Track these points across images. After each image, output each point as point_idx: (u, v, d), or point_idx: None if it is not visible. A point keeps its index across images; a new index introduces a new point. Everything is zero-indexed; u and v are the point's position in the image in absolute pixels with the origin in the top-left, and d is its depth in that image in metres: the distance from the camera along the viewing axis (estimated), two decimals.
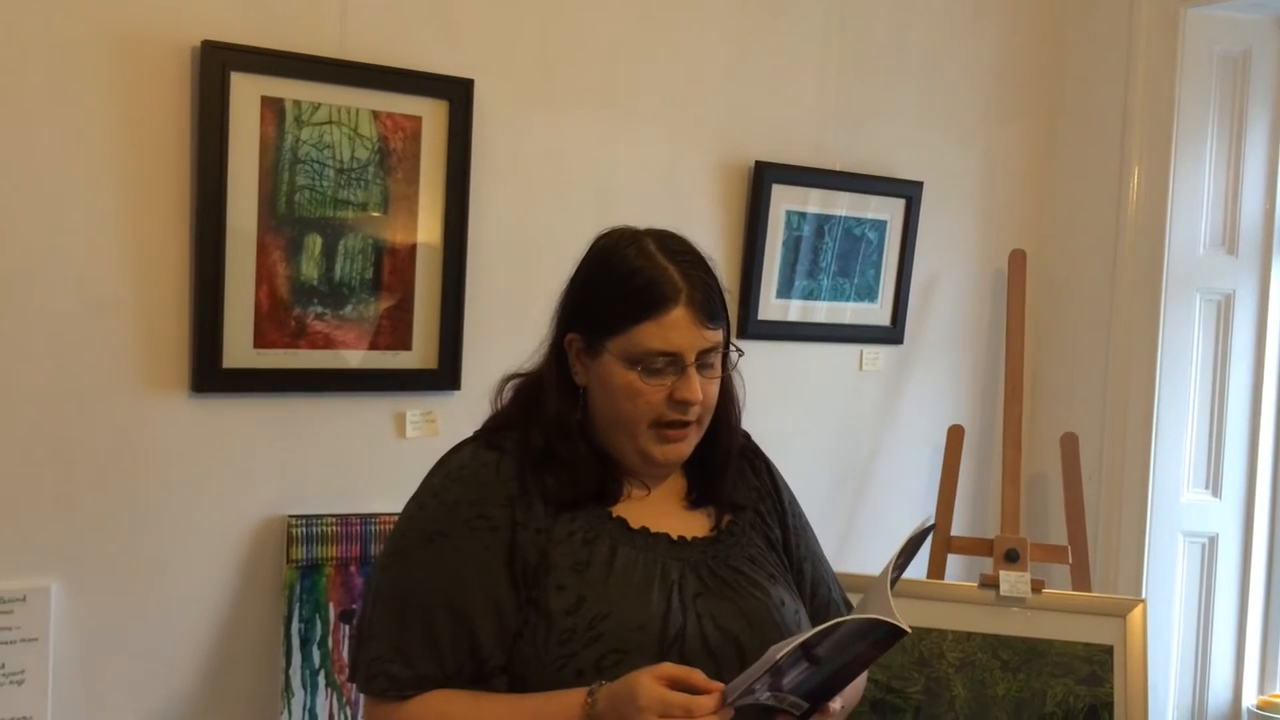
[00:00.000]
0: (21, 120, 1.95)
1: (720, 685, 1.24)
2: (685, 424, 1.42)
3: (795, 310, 2.85)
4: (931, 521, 1.52)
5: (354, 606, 2.24)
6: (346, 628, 2.23)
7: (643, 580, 1.39)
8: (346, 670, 2.22)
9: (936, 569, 2.80)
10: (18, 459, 1.98)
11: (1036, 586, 2.59)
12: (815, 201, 2.83)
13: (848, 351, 2.97)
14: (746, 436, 1.62)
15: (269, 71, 2.11)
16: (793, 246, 2.81)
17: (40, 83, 1.96)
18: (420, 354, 2.32)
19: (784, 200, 2.77)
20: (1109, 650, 2.51)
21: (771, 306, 2.80)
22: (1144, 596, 2.80)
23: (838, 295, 2.91)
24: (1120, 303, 3.05)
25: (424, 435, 2.34)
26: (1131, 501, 3.02)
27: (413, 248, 2.29)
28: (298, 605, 2.19)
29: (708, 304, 1.40)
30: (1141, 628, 2.51)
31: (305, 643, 2.20)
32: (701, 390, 1.40)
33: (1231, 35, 2.99)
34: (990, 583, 2.61)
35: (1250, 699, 3.08)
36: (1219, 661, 3.06)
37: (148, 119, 2.05)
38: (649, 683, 1.23)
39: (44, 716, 1.99)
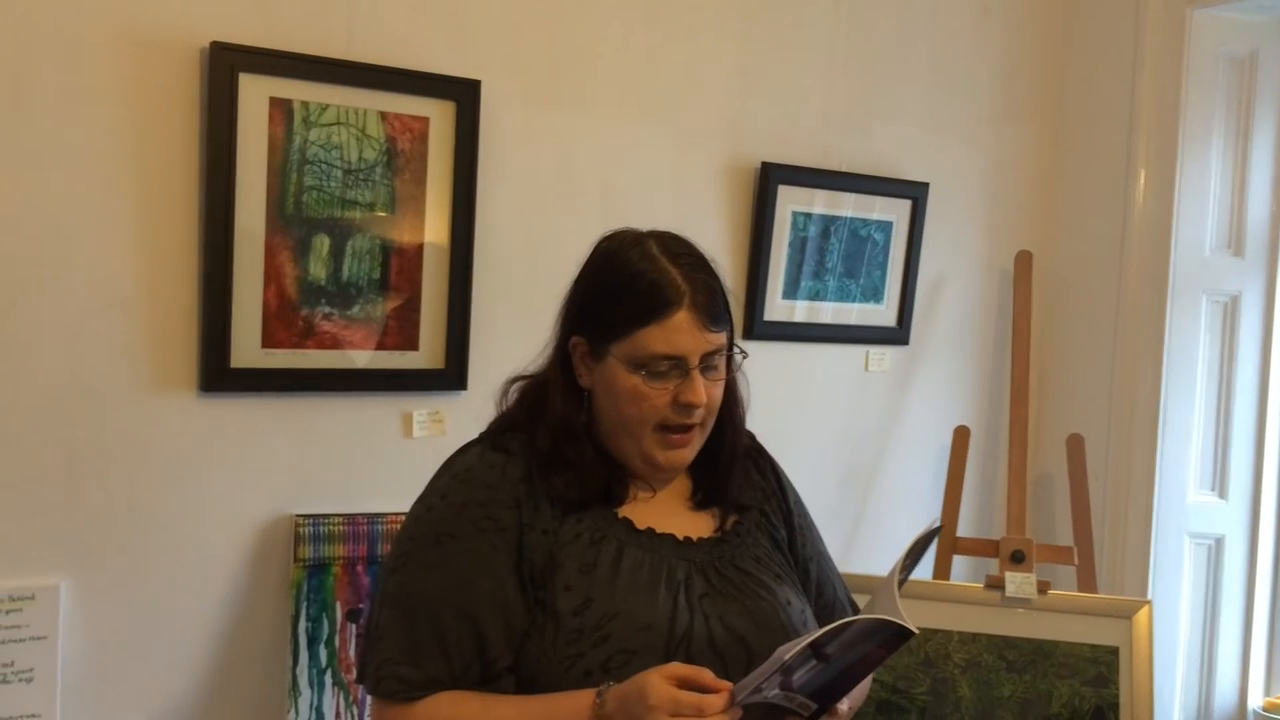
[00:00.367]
0: (31, 120, 1.95)
1: (729, 684, 1.24)
2: (689, 427, 1.43)
3: (801, 311, 2.85)
4: (938, 524, 1.52)
5: (361, 606, 2.24)
6: (353, 627, 2.24)
7: (649, 581, 1.39)
8: (353, 669, 2.23)
9: (942, 570, 2.80)
10: (28, 457, 1.99)
11: (1042, 588, 2.59)
12: (821, 202, 2.83)
13: (853, 352, 2.97)
14: (751, 437, 1.62)
15: (277, 73, 2.12)
16: (799, 247, 2.81)
17: (50, 84, 1.96)
18: (427, 354, 2.33)
19: (790, 201, 2.77)
20: (1115, 651, 2.51)
21: (777, 307, 2.81)
22: (1150, 598, 2.80)
23: (843, 296, 2.92)
24: (1126, 304, 3.05)
25: (431, 435, 2.34)
26: (1137, 503, 3.02)
27: (420, 248, 2.30)
28: (305, 604, 2.20)
29: (711, 307, 1.40)
30: (1147, 629, 2.51)
31: (312, 642, 2.20)
32: (706, 393, 1.40)
33: (1238, 37, 2.99)
34: (996, 584, 2.61)
35: (1256, 700, 3.07)
36: (1225, 663, 3.06)
37: (157, 120, 2.05)
38: (659, 682, 1.23)
39: (53, 714, 2.00)
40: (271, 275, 2.15)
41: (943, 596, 2.60)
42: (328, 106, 2.18)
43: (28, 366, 1.98)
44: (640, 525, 1.44)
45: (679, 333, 1.38)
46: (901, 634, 1.22)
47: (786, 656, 1.18)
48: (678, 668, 1.26)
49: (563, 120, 2.48)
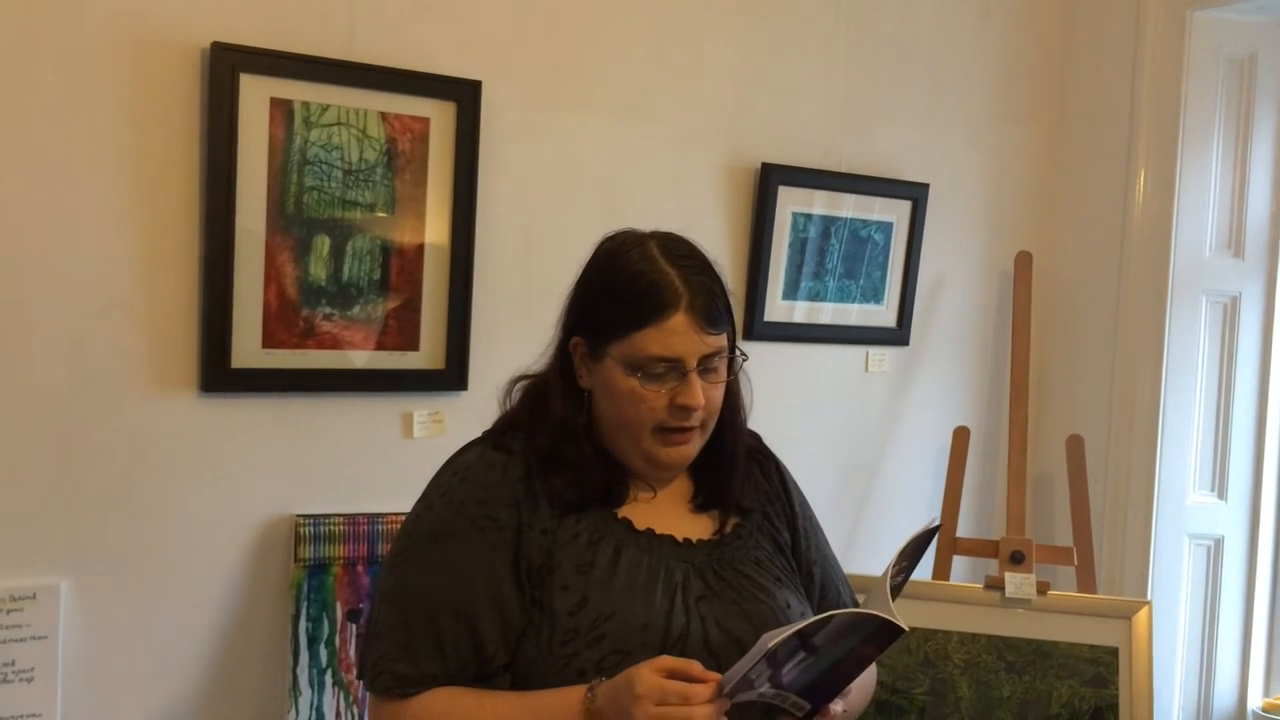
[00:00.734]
0: (32, 120, 1.96)
1: (717, 675, 1.25)
2: (688, 429, 1.43)
3: (801, 312, 2.85)
4: (938, 522, 1.52)
5: (361, 606, 2.25)
6: (354, 627, 2.24)
7: (646, 581, 1.39)
8: (354, 669, 2.23)
9: (942, 570, 2.80)
10: (28, 457, 1.99)
11: (1042, 588, 2.59)
12: (821, 203, 2.83)
13: (853, 353, 2.97)
14: (757, 438, 1.62)
15: (278, 73, 2.12)
16: (799, 248, 2.82)
17: (51, 84, 1.97)
18: (427, 354, 2.33)
19: (790, 202, 2.78)
20: (1114, 652, 2.51)
21: (777, 308, 2.81)
22: (1149, 599, 2.80)
23: (843, 297, 2.92)
24: (1126, 305, 3.05)
25: (431, 435, 2.35)
26: (1137, 503, 3.02)
27: (420, 249, 2.30)
28: (305, 604, 2.20)
29: (709, 309, 1.40)
30: (1147, 630, 2.51)
31: (313, 641, 2.21)
32: (704, 395, 1.40)
33: (1238, 37, 2.99)
34: (995, 584, 2.61)
35: (1255, 701, 3.08)
36: (1224, 664, 3.06)
37: (157, 120, 2.06)
38: (646, 673, 1.24)
39: (53, 714, 2.01)
40: (272, 275, 2.16)
41: (942, 597, 2.60)
42: (328, 107, 2.18)
43: (28, 366, 1.98)
44: (640, 526, 1.44)
45: (675, 335, 1.38)
46: (891, 631, 1.21)
47: (771, 644, 1.18)
48: (666, 660, 1.26)
49: (563, 121, 2.48)
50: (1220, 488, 3.06)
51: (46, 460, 2.00)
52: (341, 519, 2.24)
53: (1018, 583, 2.59)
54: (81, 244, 2.01)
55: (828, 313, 2.90)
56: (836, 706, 1.32)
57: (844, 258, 2.90)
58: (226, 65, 2.07)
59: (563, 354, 1.47)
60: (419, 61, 2.28)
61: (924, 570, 2.81)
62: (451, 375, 2.35)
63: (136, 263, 2.06)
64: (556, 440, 1.43)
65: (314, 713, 2.21)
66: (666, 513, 1.48)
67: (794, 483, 1.63)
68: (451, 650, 1.36)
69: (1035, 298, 3.03)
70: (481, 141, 2.33)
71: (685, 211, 2.62)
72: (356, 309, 2.25)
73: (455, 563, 1.37)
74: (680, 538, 1.45)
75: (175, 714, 2.14)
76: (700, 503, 1.51)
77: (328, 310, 2.22)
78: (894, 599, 1.29)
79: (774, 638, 1.19)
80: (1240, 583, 3.06)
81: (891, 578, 1.31)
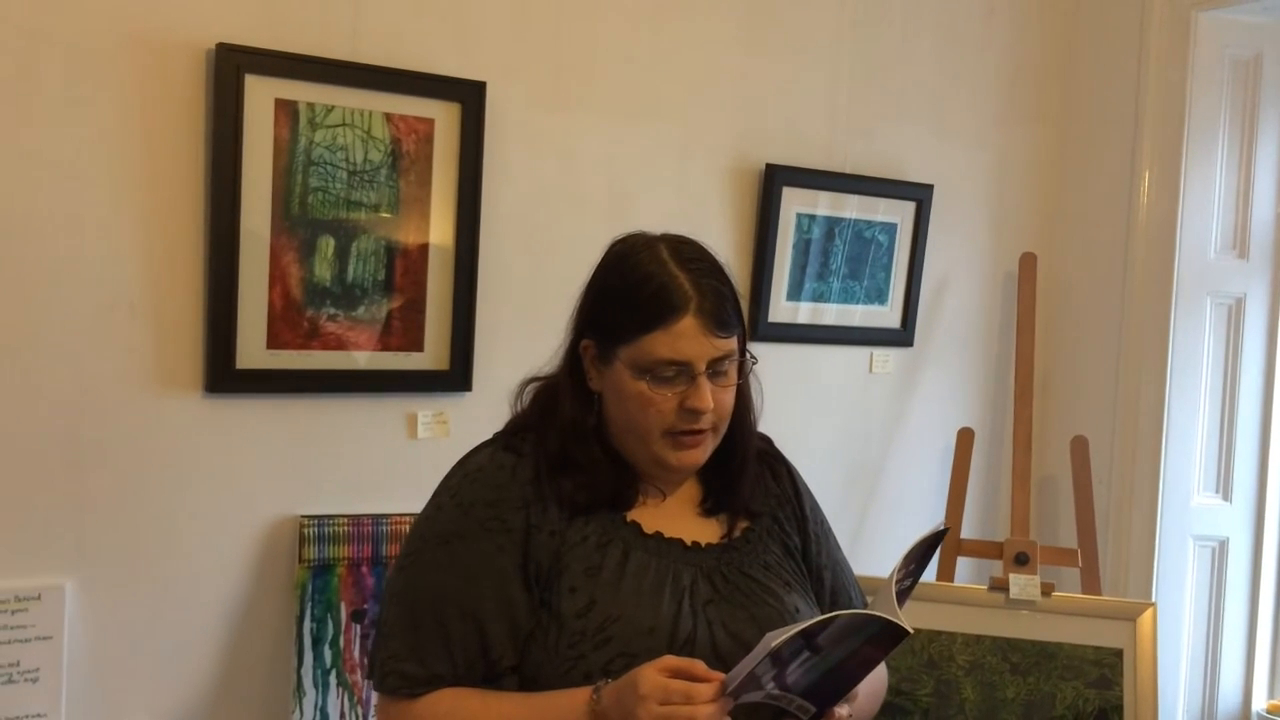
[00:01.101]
0: (38, 122, 1.96)
1: (720, 675, 1.25)
2: (699, 432, 1.42)
3: (805, 312, 2.85)
4: (945, 526, 1.51)
5: (365, 606, 2.25)
6: (358, 627, 2.24)
7: (654, 585, 1.39)
8: (358, 670, 2.23)
9: (946, 572, 2.80)
10: (33, 458, 1.99)
11: (1046, 589, 2.59)
12: (825, 204, 2.83)
13: (858, 354, 2.97)
14: (768, 441, 1.61)
15: (283, 74, 2.12)
16: (803, 249, 2.81)
17: (56, 85, 1.97)
18: (432, 355, 2.33)
19: (794, 203, 2.78)
20: (1119, 654, 2.51)
21: (782, 309, 2.81)
22: (1154, 600, 2.80)
23: (848, 298, 2.92)
24: (1131, 306, 3.05)
25: (435, 436, 2.35)
26: (1142, 505, 3.02)
27: (425, 249, 2.30)
28: (310, 605, 2.20)
29: (719, 312, 1.39)
30: (1151, 631, 2.51)
31: (317, 642, 2.21)
32: (714, 398, 1.39)
33: (1243, 38, 2.99)
34: (1000, 585, 2.61)
35: (1260, 703, 3.07)
36: (1229, 666, 3.06)
37: (162, 121, 2.06)
38: (650, 672, 1.24)
39: (58, 714, 2.01)
40: (277, 276, 2.16)
41: (946, 598, 2.60)
42: (333, 108, 2.19)
43: (34, 367, 1.98)
44: (648, 529, 1.44)
45: (684, 339, 1.37)
46: (895, 633, 1.21)
47: (774, 644, 1.18)
48: (669, 660, 1.26)
49: (567, 121, 2.48)
50: (1225, 489, 3.05)
51: (51, 460, 2.00)
52: (346, 520, 2.24)
53: (1022, 584, 2.59)
54: (86, 245, 2.01)
55: (832, 314, 2.90)
56: (842, 710, 1.32)
57: (848, 258, 2.90)
58: (231, 66, 2.07)
59: (573, 356, 1.47)
60: (423, 62, 2.28)
61: (928, 572, 2.80)
62: (456, 376, 2.35)
63: (141, 263, 2.06)
64: (566, 442, 1.43)
65: (318, 713, 2.21)
66: (675, 516, 1.47)
67: (805, 487, 1.62)
68: (459, 651, 1.36)
69: (1040, 299, 3.03)
70: (486, 142, 2.33)
71: (689, 212, 2.62)
72: (361, 310, 2.25)
73: (464, 564, 1.37)
74: (689, 541, 1.45)
75: (180, 714, 2.15)
76: (709, 506, 1.51)
77: (332, 311, 2.22)
78: (902, 603, 1.29)
79: (777, 637, 1.19)
80: (1245, 584, 3.06)
81: (898, 581, 1.31)
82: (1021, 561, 2.65)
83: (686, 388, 1.39)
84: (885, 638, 1.23)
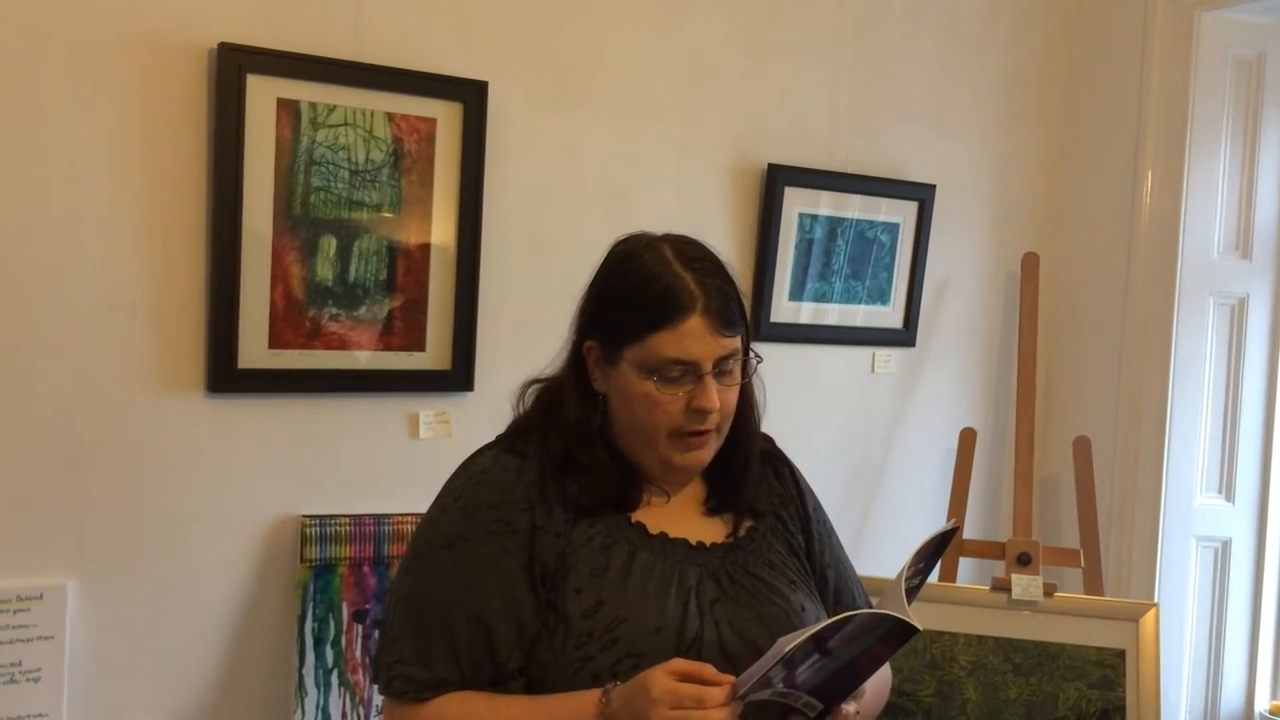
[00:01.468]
0: (40, 121, 1.96)
1: (731, 678, 1.24)
2: (704, 432, 1.42)
3: (807, 313, 2.85)
4: (954, 524, 1.51)
5: (367, 606, 2.25)
6: (360, 627, 2.24)
7: (660, 585, 1.39)
8: (360, 670, 2.23)
9: (948, 572, 2.80)
10: (35, 457, 1.99)
11: (1049, 590, 2.59)
12: (827, 204, 2.83)
13: (860, 354, 2.97)
14: (770, 441, 1.61)
15: (285, 74, 2.12)
16: (805, 249, 2.81)
17: (58, 85, 1.97)
18: (434, 355, 2.33)
19: (796, 203, 2.77)
20: (1121, 654, 2.51)
21: (784, 309, 2.81)
22: (1156, 601, 2.79)
23: (850, 298, 2.91)
24: (1133, 306, 3.05)
25: (437, 436, 2.35)
26: (1144, 505, 3.01)
27: (426, 249, 2.30)
28: (311, 605, 2.20)
29: (725, 312, 1.39)
30: (1154, 632, 2.51)
31: (319, 642, 2.21)
32: (720, 398, 1.39)
33: (1246, 38, 2.98)
34: (1002, 586, 2.61)
35: (1263, 704, 3.07)
36: (1231, 666, 3.05)
37: (164, 120, 2.06)
38: (661, 676, 1.24)
39: (59, 714, 2.01)
40: (278, 276, 2.16)
41: (949, 599, 2.60)
42: (335, 107, 2.18)
43: (36, 366, 1.98)
44: (653, 530, 1.44)
45: (691, 338, 1.37)
46: (905, 630, 1.21)
47: (788, 648, 1.18)
48: (679, 663, 1.26)
49: (569, 121, 2.48)
50: (1228, 490, 3.05)
51: (53, 460, 2.00)
52: (347, 519, 2.24)
53: (1024, 584, 2.59)
54: (88, 244, 2.01)
55: (834, 314, 2.89)
56: (849, 707, 1.32)
57: (850, 259, 2.90)
58: (233, 66, 2.07)
59: (576, 357, 1.47)
60: (425, 62, 2.28)
61: (931, 572, 2.81)
62: (458, 376, 2.35)
63: (143, 263, 2.06)
64: (570, 444, 1.43)
65: (320, 713, 2.20)
66: (680, 516, 1.47)
67: (808, 486, 1.62)
68: (466, 654, 1.36)
69: (1042, 299, 3.03)
70: (488, 142, 2.33)
71: (691, 212, 2.62)
72: (363, 309, 2.25)
73: (469, 567, 1.37)
74: (694, 541, 1.45)
75: (181, 714, 2.14)
76: (713, 506, 1.51)
77: (334, 311, 2.22)
78: (911, 601, 1.29)
79: (790, 641, 1.18)
80: (1248, 585, 3.06)
81: (906, 579, 1.31)
82: (1024, 562, 2.65)
83: (693, 388, 1.39)
84: (895, 635, 1.23)
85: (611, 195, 2.53)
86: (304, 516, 2.21)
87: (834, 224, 2.85)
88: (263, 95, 2.11)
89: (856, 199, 2.87)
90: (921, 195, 2.96)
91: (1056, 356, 3.25)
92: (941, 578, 2.78)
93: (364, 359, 2.26)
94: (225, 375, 2.12)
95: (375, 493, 2.29)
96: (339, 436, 2.26)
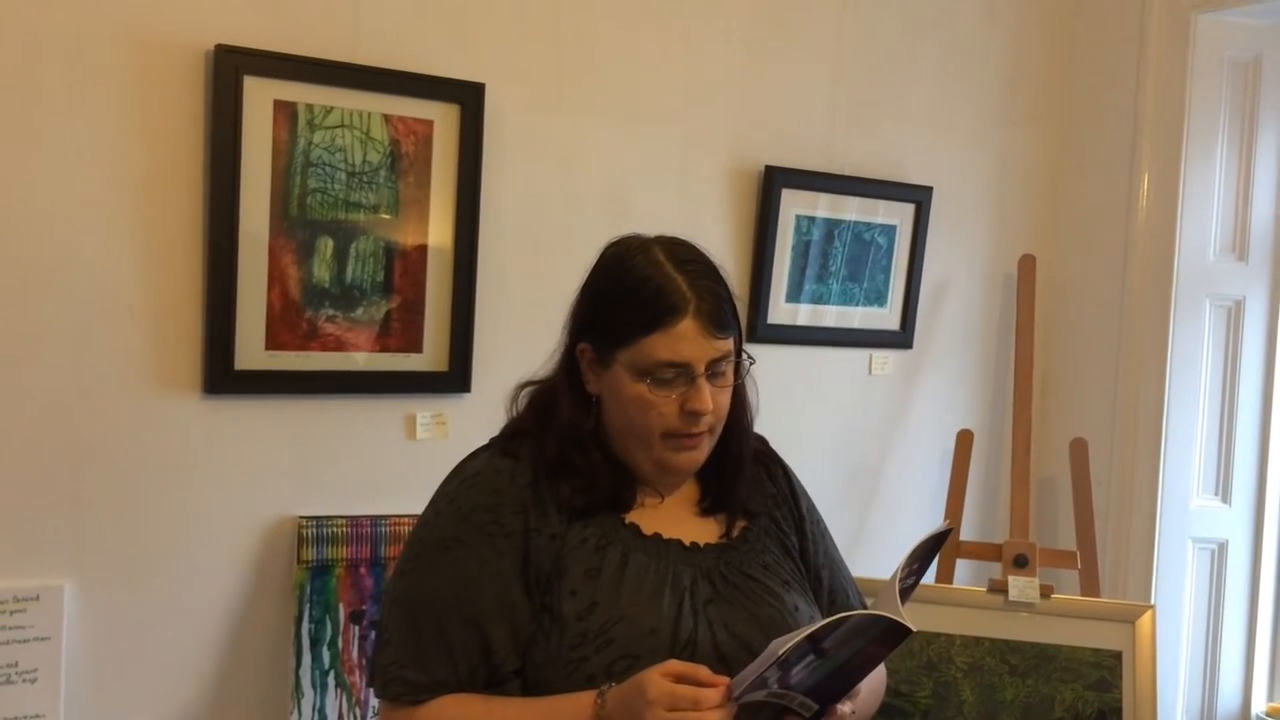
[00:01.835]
0: (37, 122, 1.96)
1: (725, 679, 1.25)
2: (698, 434, 1.42)
3: (804, 314, 2.85)
4: (948, 525, 1.52)
5: (364, 607, 2.25)
6: (356, 628, 2.24)
7: (654, 586, 1.39)
8: (356, 670, 2.23)
9: (945, 573, 2.80)
10: (32, 458, 1.99)
11: (1045, 592, 2.59)
12: (825, 206, 2.83)
13: (857, 355, 2.97)
14: (764, 442, 1.62)
15: (282, 75, 2.12)
16: (802, 251, 2.82)
17: (55, 86, 1.97)
18: (431, 356, 2.33)
19: (794, 204, 2.78)
20: (1118, 656, 2.51)
21: (781, 310, 2.81)
22: (1153, 602, 2.80)
23: (847, 299, 2.92)
24: (1130, 308, 3.05)
25: (434, 437, 2.35)
26: (1141, 507, 3.02)
27: (424, 251, 2.30)
28: (308, 606, 2.20)
29: (717, 314, 1.40)
30: (1150, 633, 2.51)
31: (315, 643, 2.21)
32: (713, 400, 1.40)
33: (1242, 41, 2.99)
34: (999, 587, 2.61)
35: (1260, 705, 3.07)
36: (1228, 668, 3.06)
37: (161, 122, 2.06)
38: (656, 678, 1.24)
39: (56, 715, 2.01)
40: (275, 277, 2.16)
41: (945, 600, 2.60)
42: (332, 109, 2.19)
43: (33, 368, 1.98)
44: (647, 531, 1.44)
45: (684, 340, 1.37)
46: (899, 632, 1.21)
47: (781, 651, 1.18)
48: (674, 665, 1.26)
49: (567, 123, 2.48)
50: (1224, 491, 3.05)
51: (50, 461, 2.00)
52: (344, 520, 2.24)
53: (1021, 586, 2.59)
54: (85, 246, 2.01)
55: (831, 315, 2.90)
56: (844, 707, 1.32)
57: (847, 260, 2.90)
58: (230, 67, 2.07)
59: (569, 359, 1.47)
60: (422, 64, 2.28)
61: (927, 573, 2.81)
62: (455, 377, 2.35)
63: (140, 265, 2.06)
64: (564, 446, 1.43)
65: (316, 714, 2.21)
66: (674, 517, 1.48)
67: (801, 487, 1.62)
68: (461, 657, 1.36)
69: (1039, 301, 3.03)
70: (485, 144, 2.33)
71: (688, 214, 2.63)
72: (360, 311, 2.25)
73: (464, 569, 1.37)
74: (688, 542, 1.45)
75: (178, 715, 2.14)
76: (707, 507, 1.51)
77: (331, 312, 2.22)
78: (905, 601, 1.29)
79: (785, 643, 1.19)
80: (1244, 587, 3.06)
81: (901, 580, 1.31)
82: (1020, 563, 2.65)
83: (686, 390, 1.39)
84: (889, 637, 1.23)
85: (609, 197, 2.54)
86: (301, 517, 2.21)
87: (831, 226, 2.85)
88: (260, 97, 2.11)
89: (854, 201, 2.87)
90: (918, 197, 2.96)
91: (1053, 358, 3.25)
92: (938, 579, 2.78)
93: (361, 360, 2.26)
94: (222, 376, 2.12)
95: (372, 494, 2.29)
96: (336, 438, 2.26)
